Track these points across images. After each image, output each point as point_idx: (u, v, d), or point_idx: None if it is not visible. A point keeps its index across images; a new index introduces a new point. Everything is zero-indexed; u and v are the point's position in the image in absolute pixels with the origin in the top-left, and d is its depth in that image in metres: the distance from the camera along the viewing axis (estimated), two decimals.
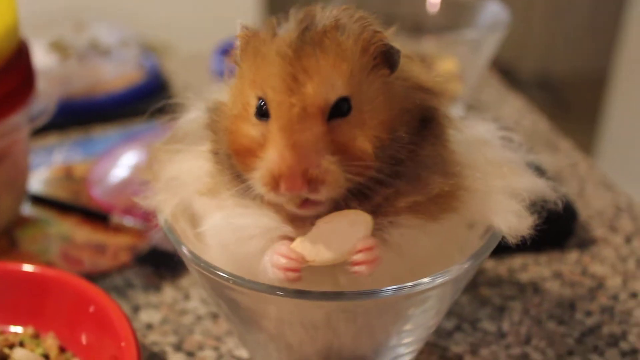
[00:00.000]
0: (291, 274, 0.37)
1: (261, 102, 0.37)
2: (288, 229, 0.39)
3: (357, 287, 0.38)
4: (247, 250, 0.40)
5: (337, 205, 0.38)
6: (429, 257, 0.40)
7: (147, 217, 0.66)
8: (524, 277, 0.61)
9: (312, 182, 0.35)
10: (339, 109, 0.36)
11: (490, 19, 0.86)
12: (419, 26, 0.91)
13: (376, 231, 0.38)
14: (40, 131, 0.79)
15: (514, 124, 0.87)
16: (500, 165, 0.43)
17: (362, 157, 0.36)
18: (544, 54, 2.62)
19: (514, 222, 0.41)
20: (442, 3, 0.92)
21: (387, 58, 0.39)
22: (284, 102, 0.35)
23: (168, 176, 0.44)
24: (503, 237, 0.41)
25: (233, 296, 0.44)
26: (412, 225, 0.38)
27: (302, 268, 0.37)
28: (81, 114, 0.89)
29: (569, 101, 2.51)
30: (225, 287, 0.43)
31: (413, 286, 0.38)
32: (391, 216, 0.38)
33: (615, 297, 0.59)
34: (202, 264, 0.39)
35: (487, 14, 0.87)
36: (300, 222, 0.39)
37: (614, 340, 0.54)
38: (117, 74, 0.97)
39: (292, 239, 0.39)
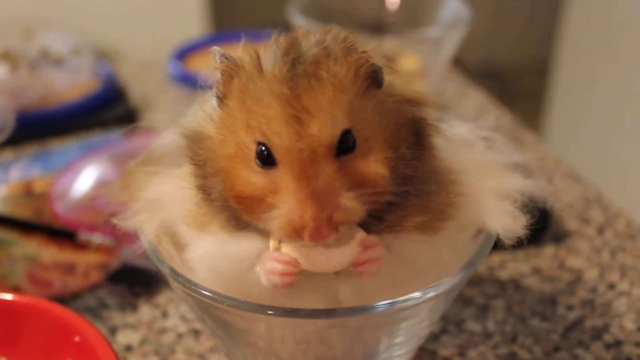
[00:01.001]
0: (287, 279, 0.36)
1: (262, 148, 0.35)
2: (287, 249, 0.38)
3: (356, 295, 0.38)
4: (238, 269, 0.38)
5: None
6: (429, 265, 0.40)
7: (117, 233, 0.65)
8: (504, 274, 0.62)
9: (335, 225, 0.34)
10: (345, 143, 0.35)
11: (451, 16, 0.86)
12: (379, 25, 0.91)
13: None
14: None
15: (477, 118, 0.88)
16: (488, 167, 0.43)
17: (378, 182, 0.35)
18: (488, 45, 2.67)
19: (509, 223, 0.40)
20: (401, 1, 0.92)
21: (375, 77, 0.38)
22: (292, 148, 0.34)
23: (148, 198, 0.42)
24: (497, 239, 0.41)
25: (223, 317, 0.42)
26: (416, 240, 0.38)
27: (297, 273, 0.36)
28: (36, 127, 0.86)
29: (513, 90, 2.56)
30: (216, 308, 0.41)
31: (405, 300, 0.37)
32: (397, 233, 0.37)
33: (594, 290, 0.60)
34: (192, 287, 0.38)
35: (447, 11, 0.87)
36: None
37: (597, 334, 0.55)
38: (70, 83, 0.94)
39: None
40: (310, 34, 0.37)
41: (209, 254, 0.39)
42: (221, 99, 0.38)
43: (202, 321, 0.46)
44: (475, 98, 0.95)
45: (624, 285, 0.60)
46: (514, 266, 0.62)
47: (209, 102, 0.41)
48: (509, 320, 0.56)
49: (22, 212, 0.70)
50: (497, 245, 0.63)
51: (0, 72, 0.88)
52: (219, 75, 0.38)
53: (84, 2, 1.26)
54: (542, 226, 0.65)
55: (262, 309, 0.36)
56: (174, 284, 0.40)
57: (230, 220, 0.38)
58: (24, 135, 0.84)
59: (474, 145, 0.45)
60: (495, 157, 0.45)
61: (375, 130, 0.36)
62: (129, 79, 1.01)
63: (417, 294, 0.37)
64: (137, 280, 0.60)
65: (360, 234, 0.36)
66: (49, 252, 0.64)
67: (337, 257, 0.36)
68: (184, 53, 1.06)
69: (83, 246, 0.64)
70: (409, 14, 0.90)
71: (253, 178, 0.35)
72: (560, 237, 0.66)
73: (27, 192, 0.74)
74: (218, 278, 0.39)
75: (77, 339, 0.47)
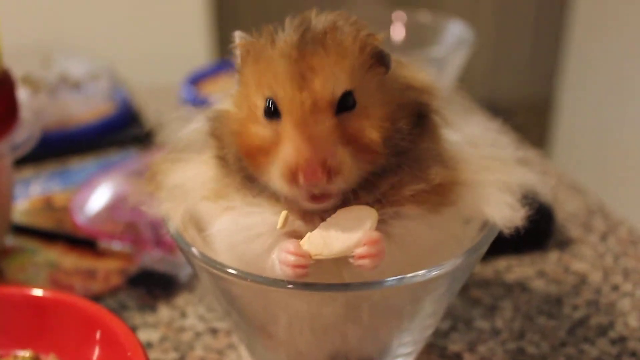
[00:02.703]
0: (300, 271, 0.38)
1: (269, 102, 0.38)
2: (297, 224, 0.40)
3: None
4: (254, 249, 0.40)
5: (346, 198, 0.39)
6: (430, 250, 0.42)
7: (136, 240, 0.67)
8: (510, 277, 0.63)
9: (329, 173, 0.36)
10: (345, 103, 0.38)
11: (455, 37, 0.89)
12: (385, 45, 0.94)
13: (380, 224, 0.39)
14: (15, 163, 0.78)
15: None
16: (492, 160, 0.45)
17: (371, 146, 0.38)
18: (489, 82, 2.71)
19: (507, 213, 0.42)
20: (406, 26, 0.95)
21: (381, 59, 0.41)
22: (295, 98, 0.37)
23: (172, 184, 0.45)
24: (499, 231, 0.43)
25: (244, 302, 0.45)
26: (415, 217, 0.40)
27: (310, 265, 0.38)
28: (55, 146, 0.89)
29: (515, 128, 2.58)
30: (237, 294, 0.43)
31: (413, 277, 0.39)
32: (395, 206, 0.40)
33: (598, 291, 0.61)
34: (215, 265, 0.40)
35: (451, 33, 0.91)
36: (309, 218, 0.40)
37: (602, 330, 0.56)
38: (87, 107, 0.97)
39: (300, 236, 0.40)
40: (322, 14, 0.41)
41: (226, 230, 0.41)
42: (239, 74, 0.42)
43: (227, 313, 0.48)
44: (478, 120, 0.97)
45: (627, 287, 0.62)
46: (520, 270, 0.64)
47: (233, 86, 0.44)
48: (516, 318, 0.58)
49: (43, 223, 0.73)
50: (502, 250, 0.66)
51: (22, 95, 0.91)
52: (237, 52, 0.42)
53: (101, 30, 1.30)
54: (546, 231, 0.67)
55: (281, 283, 0.38)
56: (199, 266, 0.42)
57: (245, 182, 0.41)
58: (43, 154, 0.87)
59: (479, 138, 0.47)
60: (501, 152, 0.47)
61: (376, 102, 0.39)
62: (144, 103, 1.04)
63: (422, 272, 0.39)
64: (156, 284, 0.62)
65: (370, 221, 0.38)
66: (70, 260, 0.67)
67: (342, 241, 0.38)
68: (197, 79, 1.09)
69: (103, 253, 0.67)
70: (413, 36, 0.93)
71: (260, 131, 0.39)
72: (565, 243, 0.68)
73: (48, 205, 0.76)
74: (234, 253, 0.41)
75: (100, 331, 0.49)
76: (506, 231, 0.42)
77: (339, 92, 0.38)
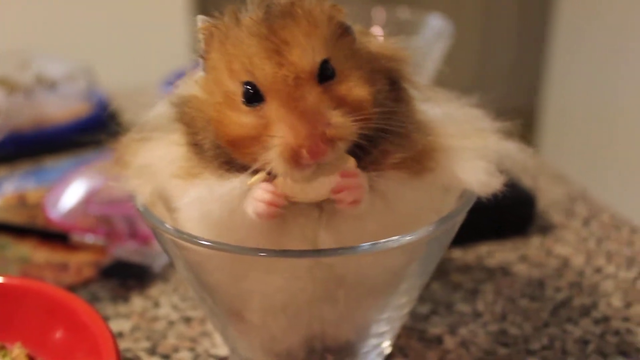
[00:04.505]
0: (273, 209, 0.37)
1: (247, 87, 0.37)
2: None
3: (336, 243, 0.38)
4: (228, 208, 0.38)
5: None
6: (412, 215, 0.40)
7: (110, 233, 0.66)
8: (492, 262, 0.62)
9: (331, 142, 0.35)
10: (325, 71, 0.36)
11: (434, 31, 0.89)
12: None
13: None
14: None
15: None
16: (467, 127, 0.44)
17: (362, 104, 0.37)
18: (474, 90, 2.72)
19: (484, 178, 0.41)
20: (386, 23, 0.95)
21: (347, 29, 0.40)
22: (276, 77, 0.35)
23: (141, 163, 0.44)
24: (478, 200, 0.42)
25: (216, 282, 0.43)
26: (397, 179, 0.39)
27: (284, 205, 0.37)
28: (30, 146, 0.88)
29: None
30: (209, 271, 0.42)
31: (387, 242, 0.37)
32: (379, 171, 0.39)
33: (581, 274, 0.60)
34: (184, 236, 0.38)
35: (430, 27, 0.90)
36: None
37: (585, 311, 0.55)
38: (64, 107, 0.95)
39: None
40: None
41: (200, 198, 0.39)
42: (204, 58, 0.40)
43: (201, 299, 0.46)
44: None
45: (610, 269, 0.61)
46: (501, 255, 0.63)
47: (194, 72, 0.43)
48: (498, 301, 0.57)
49: (16, 219, 0.71)
50: (483, 235, 0.65)
51: None
52: (200, 36, 0.40)
53: (80, 31, 1.29)
54: (528, 215, 0.66)
55: (253, 251, 0.37)
56: (168, 240, 0.41)
57: (222, 166, 0.39)
58: (17, 154, 0.86)
59: (458, 112, 0.46)
60: (478, 122, 0.46)
61: (352, 66, 0.38)
62: (121, 104, 1.03)
63: (395, 237, 0.38)
64: (129, 275, 0.60)
65: (351, 163, 0.37)
66: (42, 254, 0.65)
67: (321, 183, 0.37)
68: (175, 79, 1.08)
69: (76, 247, 0.65)
70: (393, 32, 0.93)
71: (243, 119, 0.37)
72: (547, 228, 0.67)
73: (21, 202, 0.75)
74: (207, 223, 0.39)
75: (61, 312, 0.47)
76: (483, 196, 0.41)
77: (317, 61, 0.36)
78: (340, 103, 0.36)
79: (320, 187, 0.37)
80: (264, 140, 0.36)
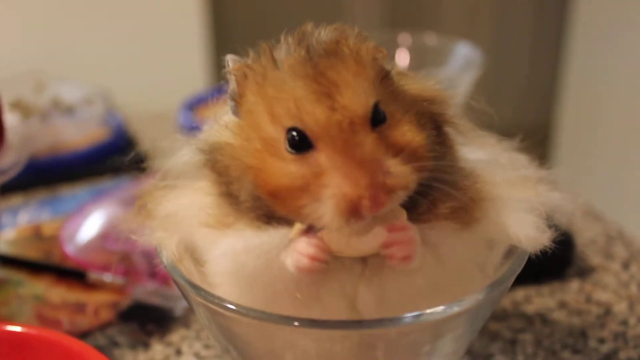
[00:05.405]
0: (317, 264, 0.34)
1: (293, 133, 0.34)
2: None
3: (377, 304, 0.36)
4: (264, 261, 0.36)
5: None
6: (460, 269, 0.38)
7: (129, 271, 0.63)
8: (530, 308, 0.59)
9: (390, 192, 0.32)
10: (377, 115, 0.34)
11: (462, 59, 0.86)
12: None
13: None
14: (3, 191, 0.75)
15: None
16: (514, 175, 0.42)
17: (418, 151, 0.34)
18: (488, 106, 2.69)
19: (533, 234, 0.38)
20: (412, 49, 0.93)
21: (388, 73, 0.37)
22: (329, 122, 0.33)
23: (165, 213, 0.41)
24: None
25: (245, 340, 0.40)
26: (449, 230, 0.36)
27: (328, 260, 0.34)
28: (46, 173, 0.85)
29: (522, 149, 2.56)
30: (237, 332, 0.39)
31: (431, 314, 0.35)
32: (431, 222, 0.36)
33: (624, 323, 0.57)
34: (213, 299, 0.36)
35: (458, 55, 0.88)
36: None
37: None
38: (81, 132, 0.93)
39: None
40: (319, 28, 0.37)
41: (233, 250, 0.36)
42: (237, 102, 0.37)
43: (226, 351, 0.43)
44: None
45: None
46: (539, 300, 0.60)
47: (223, 114, 0.40)
48: (539, 353, 0.54)
49: (31, 254, 0.68)
50: (519, 279, 0.62)
51: (11, 120, 0.88)
52: (232, 78, 0.37)
53: (98, 55, 1.28)
54: (566, 259, 0.63)
55: (287, 320, 0.34)
56: (195, 300, 0.38)
57: (260, 218, 0.36)
58: (33, 181, 0.83)
59: (499, 157, 0.44)
60: (521, 170, 0.43)
61: (400, 110, 0.35)
62: (139, 129, 1.01)
63: (441, 308, 0.35)
64: (149, 319, 0.58)
65: (402, 215, 0.34)
66: (58, 292, 0.62)
67: (372, 237, 0.34)
68: (194, 104, 1.06)
69: (93, 286, 0.63)
70: (419, 59, 0.90)
71: (289, 167, 0.34)
72: (585, 271, 0.64)
73: (36, 234, 0.72)
74: (239, 276, 0.37)
75: None
76: (532, 251, 0.39)
77: (370, 103, 0.34)
78: (396, 149, 0.34)
79: (369, 242, 0.34)
80: (313, 190, 0.33)
